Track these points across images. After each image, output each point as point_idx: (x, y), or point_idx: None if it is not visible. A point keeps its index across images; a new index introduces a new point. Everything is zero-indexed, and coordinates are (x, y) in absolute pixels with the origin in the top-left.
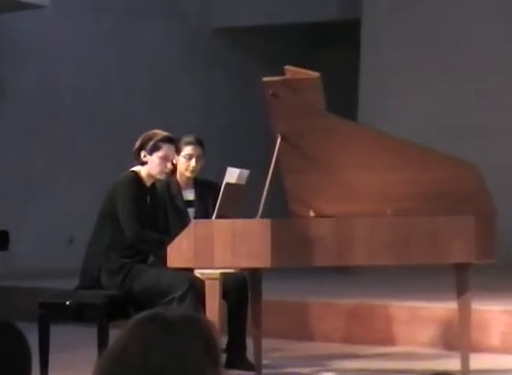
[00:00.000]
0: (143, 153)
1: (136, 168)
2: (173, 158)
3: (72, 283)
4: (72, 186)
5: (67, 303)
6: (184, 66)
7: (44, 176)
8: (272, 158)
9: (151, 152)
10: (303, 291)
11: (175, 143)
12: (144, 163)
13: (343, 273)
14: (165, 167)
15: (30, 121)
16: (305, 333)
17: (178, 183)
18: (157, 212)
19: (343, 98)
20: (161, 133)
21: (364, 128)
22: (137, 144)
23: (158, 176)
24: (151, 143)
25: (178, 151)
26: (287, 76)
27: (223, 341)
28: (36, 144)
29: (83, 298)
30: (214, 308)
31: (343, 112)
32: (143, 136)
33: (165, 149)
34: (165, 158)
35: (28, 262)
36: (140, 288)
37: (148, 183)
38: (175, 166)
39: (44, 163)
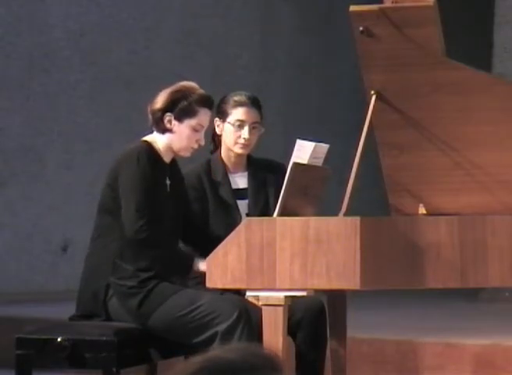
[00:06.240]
0: (168, 116)
1: (149, 137)
2: (216, 129)
3: (65, 311)
4: (65, 168)
5: (58, 340)
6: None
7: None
8: (362, 126)
9: (181, 117)
10: (409, 326)
11: (212, 107)
12: (165, 130)
13: (470, 300)
14: (195, 142)
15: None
16: None
17: (223, 164)
18: (180, 201)
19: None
20: (198, 90)
21: (509, 85)
22: (161, 101)
23: (182, 154)
24: (184, 103)
25: (223, 116)
26: (386, 3)
27: None
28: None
29: (82, 333)
30: (274, 349)
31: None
32: (171, 90)
33: (202, 115)
34: (197, 129)
35: (1, 278)
36: (165, 318)
37: (167, 159)
38: (218, 140)
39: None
